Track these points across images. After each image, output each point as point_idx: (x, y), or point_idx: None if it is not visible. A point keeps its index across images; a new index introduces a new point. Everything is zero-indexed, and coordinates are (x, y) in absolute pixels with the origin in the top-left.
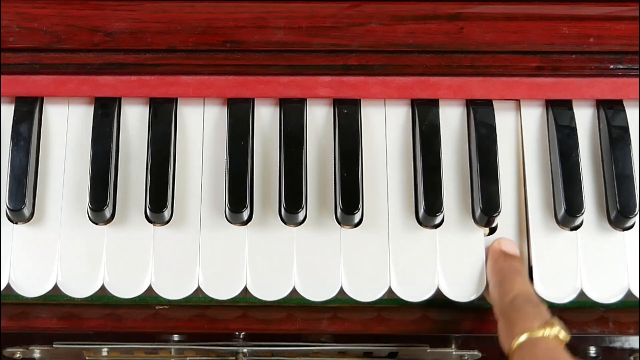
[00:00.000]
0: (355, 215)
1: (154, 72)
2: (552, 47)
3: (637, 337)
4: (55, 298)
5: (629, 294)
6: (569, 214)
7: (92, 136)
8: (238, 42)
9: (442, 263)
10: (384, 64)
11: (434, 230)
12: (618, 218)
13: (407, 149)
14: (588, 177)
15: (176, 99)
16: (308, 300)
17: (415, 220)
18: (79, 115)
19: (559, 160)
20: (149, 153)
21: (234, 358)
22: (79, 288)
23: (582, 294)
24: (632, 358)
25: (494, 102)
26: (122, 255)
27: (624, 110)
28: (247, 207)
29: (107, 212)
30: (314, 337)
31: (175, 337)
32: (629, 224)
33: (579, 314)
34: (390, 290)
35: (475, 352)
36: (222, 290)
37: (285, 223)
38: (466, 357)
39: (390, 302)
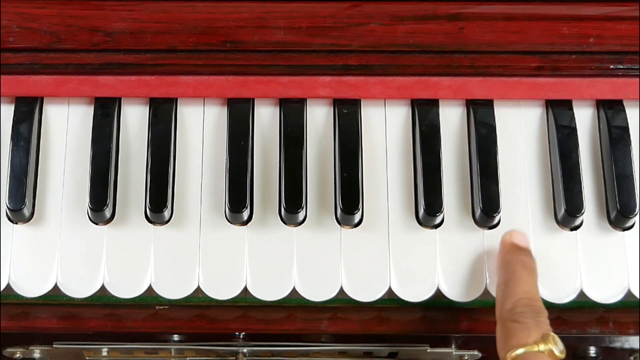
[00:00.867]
0: (355, 215)
1: (154, 72)
2: (552, 47)
3: (637, 337)
4: (55, 298)
5: (629, 294)
6: (569, 214)
7: (92, 136)
8: (238, 42)
9: (442, 263)
10: (384, 64)
11: (434, 230)
12: (618, 218)
13: (407, 149)
14: (588, 177)
15: (176, 99)
16: (308, 300)
17: (415, 220)
18: (79, 115)
19: (559, 160)
20: (149, 153)
21: (234, 358)
22: (79, 288)
23: (582, 294)
24: (632, 358)
25: (494, 102)
26: (122, 255)
27: (624, 110)
28: (247, 207)
29: (107, 212)
30: (314, 337)
31: (175, 337)
32: (629, 224)
33: (579, 314)
34: (390, 290)
35: (475, 352)
36: (222, 290)
37: (285, 223)
38: (466, 357)
39: (390, 302)
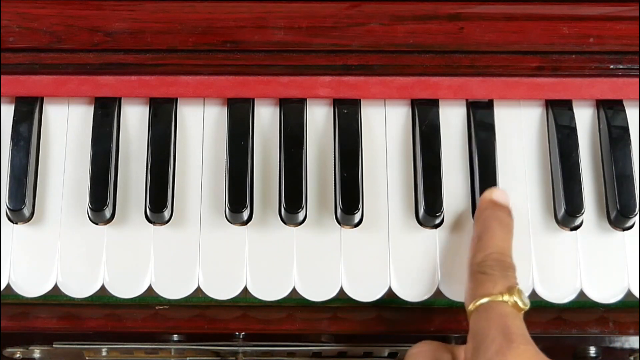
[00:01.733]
0: (355, 215)
1: (154, 72)
2: (552, 47)
3: (637, 337)
4: (55, 298)
5: (629, 294)
6: (569, 214)
7: (92, 136)
8: (238, 42)
9: (442, 263)
10: (384, 64)
11: (434, 230)
12: (618, 218)
13: (407, 149)
14: (588, 177)
15: (176, 99)
16: (308, 300)
17: (415, 220)
18: (79, 115)
19: (559, 160)
20: (149, 153)
21: (233, 358)
22: (79, 288)
23: (582, 294)
24: (632, 358)
25: (494, 102)
26: (122, 255)
27: (624, 110)
28: (247, 207)
29: (107, 212)
30: (314, 337)
31: (175, 337)
32: (629, 224)
33: (579, 314)
34: (390, 290)
35: None
36: (222, 290)
37: (285, 223)
38: None
39: (390, 302)
